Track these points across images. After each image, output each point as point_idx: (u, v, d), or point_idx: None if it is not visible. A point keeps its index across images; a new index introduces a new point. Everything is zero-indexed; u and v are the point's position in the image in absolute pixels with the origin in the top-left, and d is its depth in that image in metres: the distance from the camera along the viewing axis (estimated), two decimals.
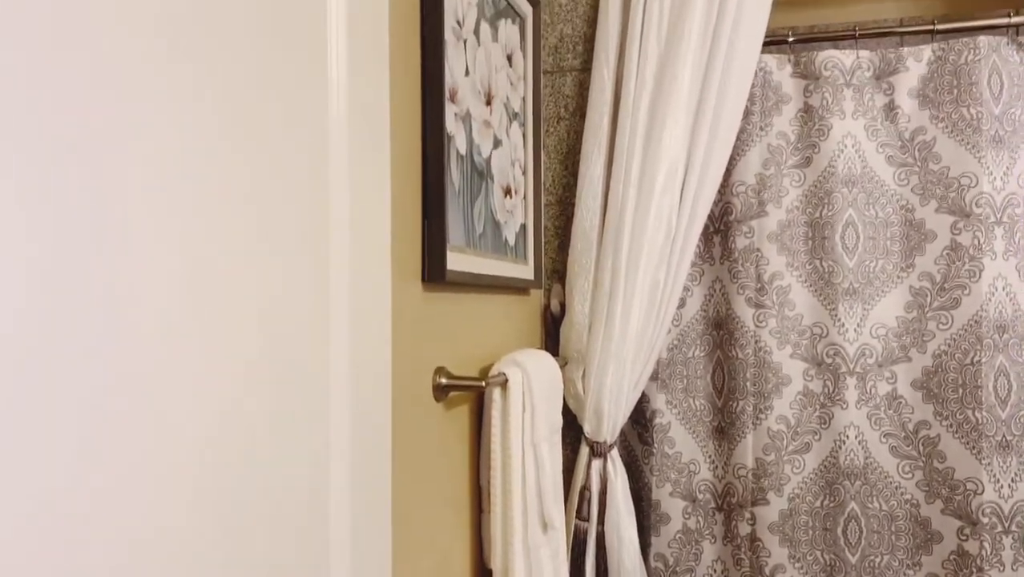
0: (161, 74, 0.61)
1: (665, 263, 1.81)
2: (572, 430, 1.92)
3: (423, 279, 1.30)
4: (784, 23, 2.07)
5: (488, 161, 1.57)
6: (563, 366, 1.87)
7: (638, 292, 1.80)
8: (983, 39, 1.75)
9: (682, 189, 1.81)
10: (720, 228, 1.94)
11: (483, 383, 1.36)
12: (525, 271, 1.79)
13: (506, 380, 1.44)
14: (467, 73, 1.47)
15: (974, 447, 1.72)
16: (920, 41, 1.86)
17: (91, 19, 0.55)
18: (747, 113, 1.88)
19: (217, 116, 0.67)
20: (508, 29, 1.70)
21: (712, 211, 1.92)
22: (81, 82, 0.54)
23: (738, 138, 1.87)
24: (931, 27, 1.82)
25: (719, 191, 1.89)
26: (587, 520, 1.82)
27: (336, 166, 0.87)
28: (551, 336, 1.96)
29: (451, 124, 1.39)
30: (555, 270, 1.98)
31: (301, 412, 0.82)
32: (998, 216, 1.73)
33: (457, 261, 1.39)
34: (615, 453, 1.85)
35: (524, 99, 1.81)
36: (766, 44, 1.84)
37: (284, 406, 0.79)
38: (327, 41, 0.86)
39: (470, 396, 1.49)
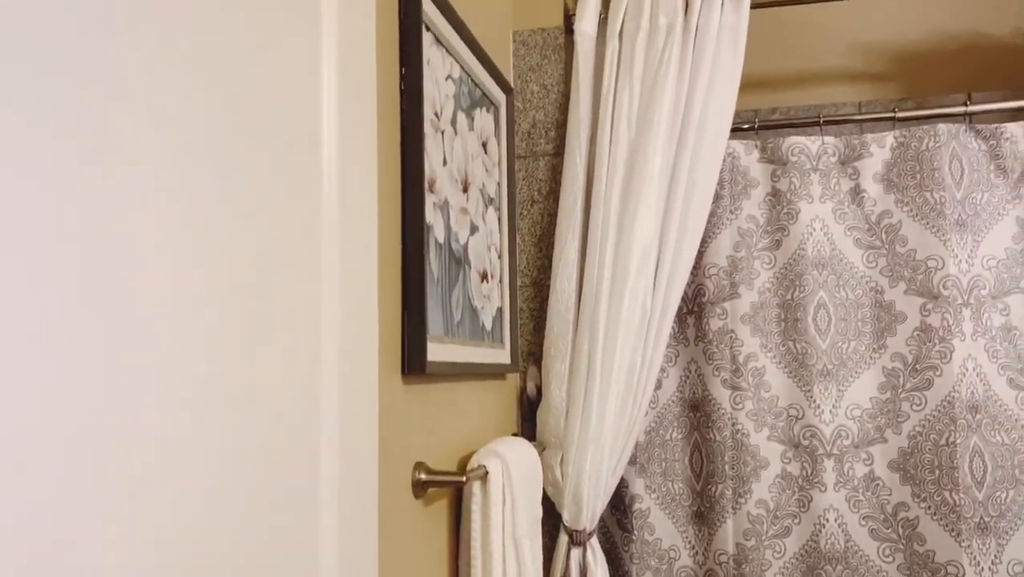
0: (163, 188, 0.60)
1: (641, 345, 1.81)
2: (550, 518, 1.88)
3: (403, 371, 1.27)
4: (747, 105, 2.13)
5: (465, 247, 1.57)
6: (540, 452, 1.84)
7: (615, 374, 1.79)
8: (943, 127, 1.81)
9: (656, 271, 1.82)
10: (694, 309, 1.95)
11: (463, 478, 1.33)
12: (502, 355, 1.77)
13: (486, 473, 1.40)
14: (445, 163, 1.47)
15: (953, 529, 1.71)
16: (882, 126, 1.92)
17: (117, 130, 0.53)
18: (717, 197, 1.91)
19: (206, 210, 0.66)
20: (483, 117, 1.72)
21: (685, 293, 1.94)
22: (99, 186, 0.52)
23: (709, 221, 1.89)
24: (892, 115, 1.88)
25: (692, 273, 1.91)
26: None
27: (328, 262, 0.85)
28: (527, 420, 1.93)
29: (430, 214, 1.38)
30: (531, 352, 1.96)
31: (288, 522, 0.79)
32: (965, 298, 1.77)
33: (436, 351, 1.37)
34: (595, 541, 1.81)
35: (499, 184, 1.82)
36: (733, 130, 1.89)
37: (267, 518, 0.76)
38: (320, 142, 0.86)
39: (449, 489, 1.46)
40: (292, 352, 0.78)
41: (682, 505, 1.90)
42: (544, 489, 1.83)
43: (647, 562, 1.88)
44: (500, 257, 1.80)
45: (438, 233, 1.42)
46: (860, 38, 2.30)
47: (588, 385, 1.80)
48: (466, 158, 1.60)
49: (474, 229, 1.63)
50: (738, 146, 1.95)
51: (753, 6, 1.86)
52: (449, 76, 1.52)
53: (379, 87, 1.22)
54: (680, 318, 1.96)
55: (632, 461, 1.91)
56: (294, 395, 0.78)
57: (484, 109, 1.73)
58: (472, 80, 1.65)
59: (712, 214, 1.91)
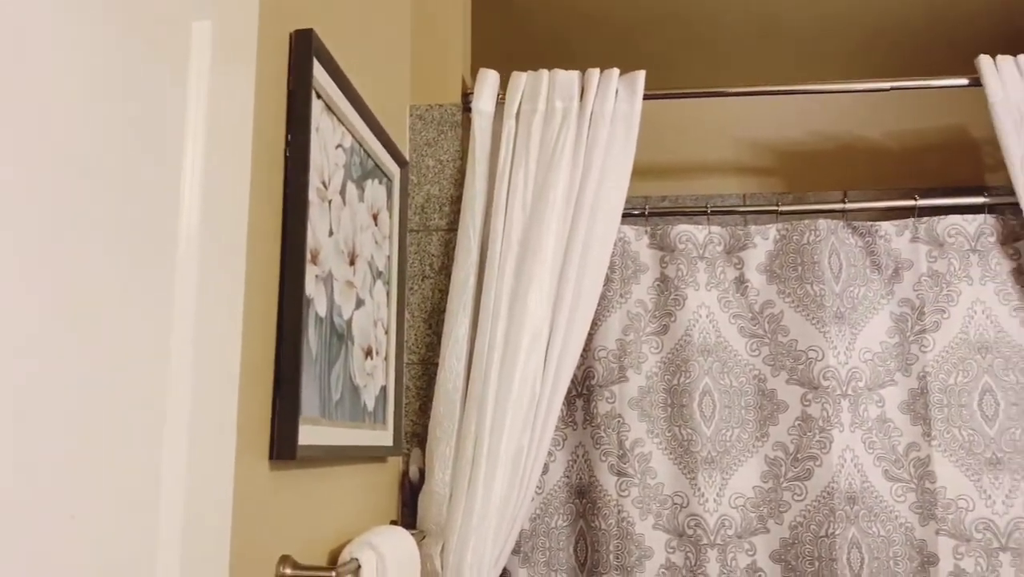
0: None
1: (530, 427, 1.76)
2: None
3: (271, 456, 1.18)
4: (639, 192, 2.17)
5: (349, 322, 1.50)
6: (420, 540, 1.75)
7: (502, 457, 1.73)
8: (823, 222, 1.88)
9: (547, 352, 1.79)
10: (583, 392, 1.92)
11: (332, 573, 1.23)
12: (384, 437, 1.69)
13: (358, 567, 1.31)
14: (331, 233, 1.41)
15: None
16: (765, 219, 1.98)
17: None
18: (608, 280, 1.91)
19: (49, 291, 0.58)
20: (375, 189, 1.67)
21: (575, 375, 1.91)
22: None
23: (599, 304, 1.89)
24: (775, 208, 1.94)
25: (581, 356, 1.89)
26: None
27: (179, 341, 0.77)
28: (408, 506, 1.84)
29: (311, 286, 1.31)
30: (415, 434, 1.88)
31: None
32: (843, 389, 1.81)
33: (310, 434, 1.28)
34: None
35: (389, 257, 1.77)
36: (625, 215, 1.91)
37: None
38: (180, 208, 0.79)
39: None
40: (126, 445, 0.70)
41: None
42: None
43: None
44: (387, 333, 1.74)
45: (320, 307, 1.35)
46: (746, 134, 2.39)
47: (474, 468, 1.73)
48: (355, 229, 1.54)
49: (360, 303, 1.56)
50: (629, 231, 1.96)
51: (646, 97, 1.90)
52: (340, 145, 1.47)
53: (263, 152, 1.16)
54: (569, 401, 1.93)
55: (516, 550, 1.84)
56: (126, 497, 0.69)
57: (376, 180, 1.68)
58: (364, 150, 1.60)
59: (603, 297, 1.91)
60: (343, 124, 1.48)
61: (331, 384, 1.40)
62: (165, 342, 0.71)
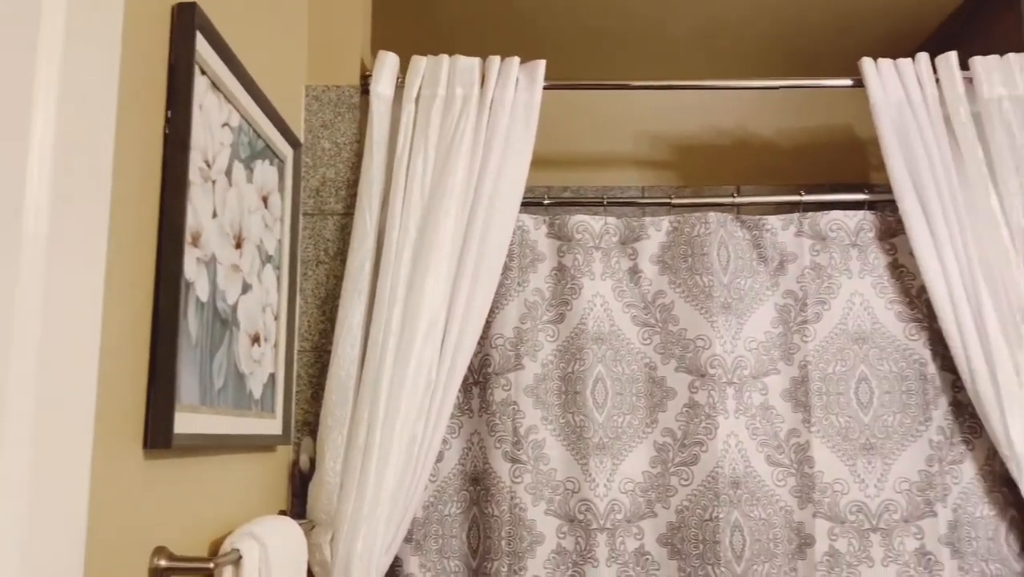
0: None
1: (424, 416, 1.75)
2: None
3: (145, 445, 1.14)
4: (540, 181, 2.18)
5: (234, 308, 1.45)
6: (309, 530, 1.72)
7: (395, 447, 1.72)
8: (713, 215, 1.93)
9: (443, 340, 1.79)
10: (479, 380, 1.92)
11: (211, 564, 1.20)
12: (272, 426, 1.65)
13: (239, 557, 1.27)
14: (215, 215, 1.37)
15: None
16: (660, 211, 2.02)
17: None
18: (506, 268, 1.91)
19: None
20: (265, 170, 1.63)
21: (472, 363, 1.91)
22: None
23: (497, 292, 1.89)
24: (668, 201, 1.99)
25: (479, 343, 1.89)
26: None
27: (23, 327, 0.73)
28: (298, 496, 1.80)
29: (192, 270, 1.27)
30: (307, 423, 1.85)
31: None
32: (729, 377, 1.87)
33: (188, 423, 1.24)
34: None
35: (280, 242, 1.72)
36: (524, 204, 1.91)
37: None
38: (25, 180, 0.74)
39: None
40: None
41: None
42: (310, 570, 1.71)
43: None
44: (277, 319, 1.70)
45: (201, 291, 1.31)
46: (646, 128, 2.44)
47: (366, 457, 1.71)
48: (242, 212, 1.50)
49: (247, 288, 1.52)
50: (528, 220, 1.97)
51: (547, 87, 1.91)
52: (226, 124, 1.43)
53: (136, 128, 1.11)
54: (465, 388, 1.93)
55: (408, 538, 1.83)
56: None
57: (267, 161, 1.64)
58: (254, 130, 1.56)
59: (500, 285, 1.91)
60: (230, 102, 1.43)
61: (213, 371, 1.36)
62: (6, 328, 0.67)
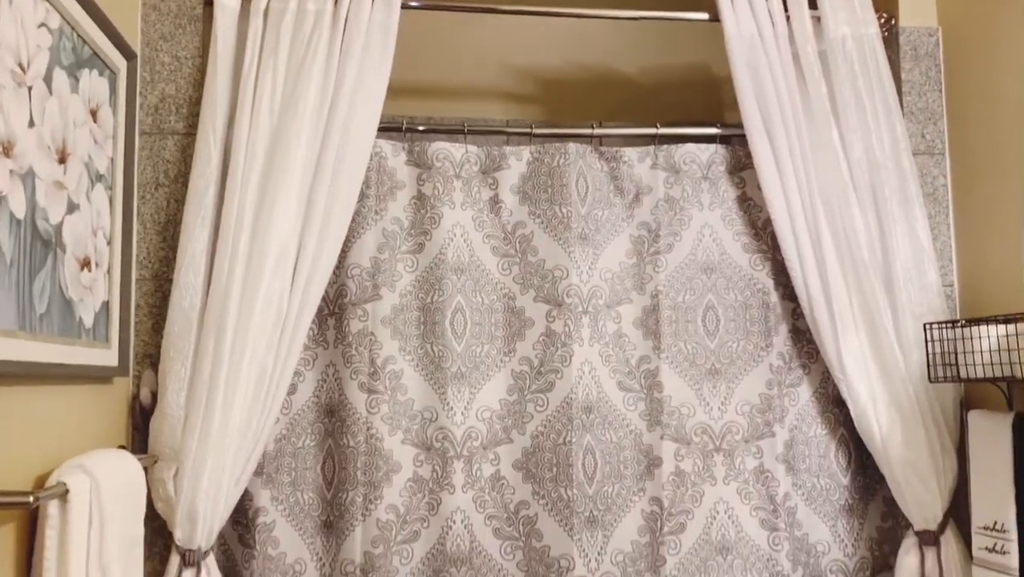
0: None
1: (274, 348, 1.69)
2: (160, 537, 1.68)
3: None
4: (400, 111, 2.11)
5: (59, 228, 1.34)
6: (152, 465, 1.64)
7: (243, 379, 1.65)
8: (572, 145, 1.94)
9: (295, 270, 1.72)
10: (335, 311, 1.87)
11: (30, 498, 1.12)
12: (107, 357, 1.55)
13: (66, 491, 1.20)
14: (31, 124, 1.24)
15: (566, 524, 1.82)
16: (521, 142, 2.00)
17: None
18: (363, 196, 1.85)
19: None
20: (94, 81, 1.50)
21: (327, 293, 1.85)
22: None
23: (353, 220, 1.83)
24: (529, 131, 1.97)
25: (334, 273, 1.83)
26: None
27: None
28: (140, 432, 1.71)
29: (4, 182, 1.15)
30: (148, 355, 1.75)
31: None
32: (585, 306, 1.89)
33: (3, 348, 1.14)
34: (211, 560, 1.65)
35: (113, 160, 1.60)
36: (382, 130, 1.85)
37: None
38: None
39: (19, 515, 1.22)
40: None
41: (311, 515, 1.81)
42: (152, 506, 1.64)
43: None
44: (110, 244, 1.58)
45: (16, 207, 1.19)
46: (509, 59, 2.40)
47: (211, 390, 1.64)
48: (66, 124, 1.37)
49: (73, 208, 1.40)
50: (386, 146, 1.91)
51: (404, 7, 1.83)
52: (44, 24, 1.29)
53: None
54: (320, 319, 1.87)
55: (258, 472, 1.78)
56: None
57: (95, 72, 1.50)
58: (78, 35, 1.42)
59: (357, 213, 1.85)
60: (48, 0, 1.30)
61: (33, 295, 1.25)
62: None
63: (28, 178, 1.23)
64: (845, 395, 1.84)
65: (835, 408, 1.93)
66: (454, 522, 1.81)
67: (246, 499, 1.77)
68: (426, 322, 1.88)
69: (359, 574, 1.76)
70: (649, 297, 1.93)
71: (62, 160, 1.36)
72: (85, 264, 1.45)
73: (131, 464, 1.42)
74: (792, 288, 1.90)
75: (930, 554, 1.78)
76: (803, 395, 1.94)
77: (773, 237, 1.91)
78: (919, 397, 1.80)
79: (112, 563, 1.26)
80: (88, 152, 1.47)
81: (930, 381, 1.72)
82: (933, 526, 1.79)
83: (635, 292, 1.94)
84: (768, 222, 1.93)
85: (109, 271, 1.58)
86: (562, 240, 1.90)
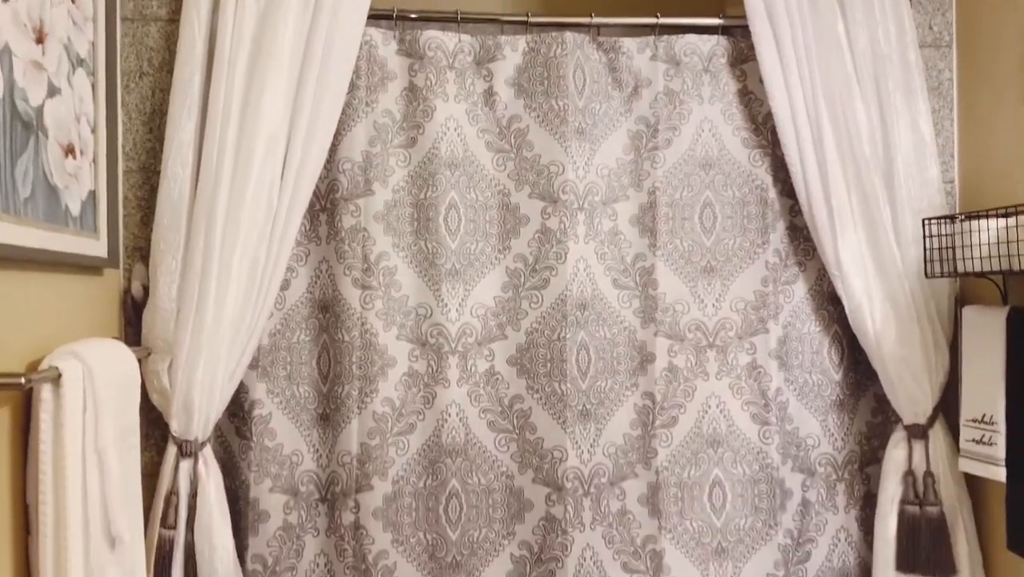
0: None
1: (266, 241, 1.67)
2: (157, 429, 1.70)
3: None
4: (388, 3, 2.03)
5: (40, 111, 1.30)
6: (146, 357, 1.64)
7: (235, 273, 1.64)
8: (569, 35, 1.87)
9: (284, 161, 1.69)
10: (326, 206, 1.84)
11: (22, 379, 1.11)
12: (96, 247, 1.53)
13: (59, 375, 1.19)
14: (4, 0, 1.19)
15: (560, 417, 1.83)
16: (518, 32, 1.94)
17: None
18: (353, 87, 1.80)
19: None
20: None
21: (318, 188, 1.82)
22: None
23: (344, 113, 1.79)
24: (525, 19, 1.90)
25: (325, 167, 1.80)
26: (174, 528, 1.61)
27: None
28: (133, 326, 1.70)
29: None
30: (138, 248, 1.73)
31: None
32: (580, 203, 1.87)
33: None
34: (208, 451, 1.67)
35: (94, 45, 1.54)
36: (372, 17, 1.78)
37: None
38: None
39: (13, 398, 1.22)
40: None
41: (307, 408, 1.82)
42: (149, 397, 1.65)
43: (267, 469, 1.78)
44: (94, 132, 1.54)
45: None
46: None
47: (203, 283, 1.63)
48: (41, 1, 1.31)
49: (54, 91, 1.36)
50: (376, 35, 1.85)
51: None
52: None
53: None
54: (312, 215, 1.84)
55: (253, 365, 1.78)
56: None
57: None
58: None
59: (347, 105, 1.80)
60: None
61: (16, 178, 1.22)
62: None
63: (4, 55, 1.19)
64: (840, 292, 1.84)
65: (830, 305, 1.93)
66: (449, 415, 1.83)
67: (242, 392, 1.78)
68: (419, 218, 1.86)
69: (356, 464, 1.79)
70: (646, 194, 1.91)
71: (40, 40, 1.31)
72: (69, 151, 1.42)
73: (124, 353, 1.42)
74: (791, 184, 1.87)
75: (918, 447, 1.81)
76: (798, 292, 1.93)
77: (773, 132, 1.87)
78: (915, 294, 1.79)
79: (108, 448, 1.27)
80: (67, 34, 1.41)
81: (926, 277, 1.71)
82: (923, 420, 1.81)
83: (632, 189, 1.91)
84: (769, 116, 1.88)
85: (95, 160, 1.54)
86: (558, 135, 1.86)
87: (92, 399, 1.24)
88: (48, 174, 1.33)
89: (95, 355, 1.28)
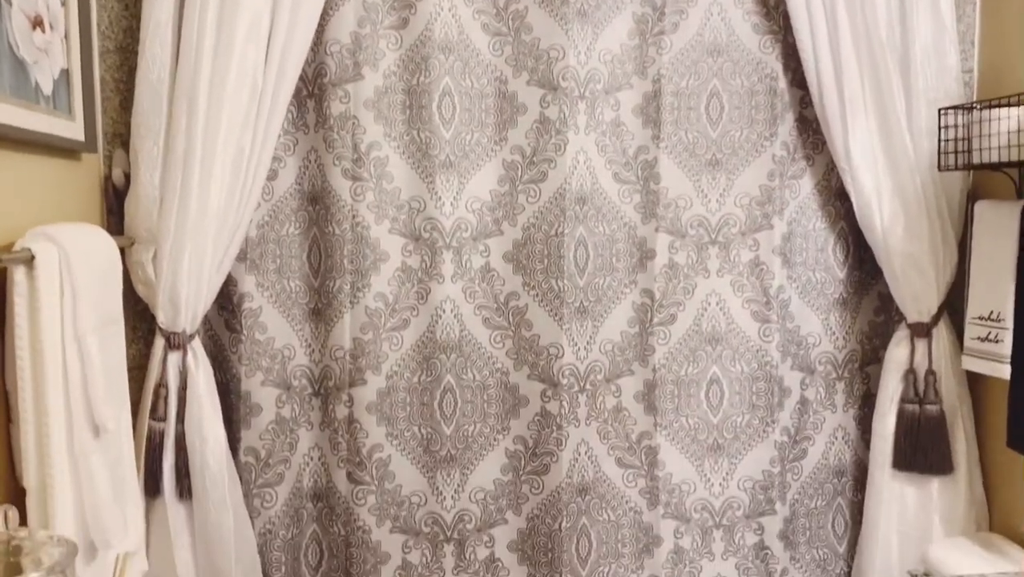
0: None
1: (251, 127, 1.60)
2: (144, 321, 1.66)
3: None
4: None
5: None
6: (129, 247, 1.59)
7: (219, 159, 1.57)
8: None
9: (268, 41, 1.60)
10: (314, 92, 1.76)
11: None
12: (71, 129, 1.46)
13: (32, 257, 1.14)
14: None
15: (556, 314, 1.80)
16: None
17: None
18: None
19: None
20: None
21: (305, 72, 1.73)
22: None
23: None
24: None
25: (312, 50, 1.71)
26: (163, 420, 1.59)
27: None
28: (116, 215, 1.64)
29: None
30: (118, 134, 1.65)
31: None
32: (581, 91, 1.78)
33: None
34: (196, 344, 1.64)
35: None
36: None
37: None
38: None
39: None
40: None
41: (298, 303, 1.78)
42: (134, 288, 1.60)
43: (258, 362, 1.75)
44: (64, 5, 1.44)
45: None
46: None
47: (187, 169, 1.56)
48: None
49: None
50: None
51: None
52: None
53: None
54: (299, 101, 1.76)
55: (242, 258, 1.73)
56: None
57: None
58: None
59: None
60: None
61: None
62: None
63: None
64: (849, 187, 1.77)
65: (837, 201, 1.86)
66: (444, 311, 1.79)
67: (231, 285, 1.74)
68: (412, 106, 1.77)
69: (348, 359, 1.76)
70: (651, 82, 1.82)
71: None
72: (37, 23, 1.33)
73: (103, 239, 1.37)
74: (802, 74, 1.78)
75: (920, 346, 1.77)
76: (805, 187, 1.87)
77: (785, 17, 1.77)
78: (925, 188, 1.73)
79: (88, 335, 1.23)
80: None
81: (939, 170, 1.65)
82: (927, 319, 1.77)
83: (636, 77, 1.82)
84: (781, 0, 1.78)
85: (67, 37, 1.45)
86: (559, 16, 1.76)
87: (70, 284, 1.20)
88: (13, 45, 1.24)
89: (71, 239, 1.23)
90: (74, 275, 1.20)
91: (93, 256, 1.29)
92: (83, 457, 1.22)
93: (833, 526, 1.92)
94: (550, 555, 1.81)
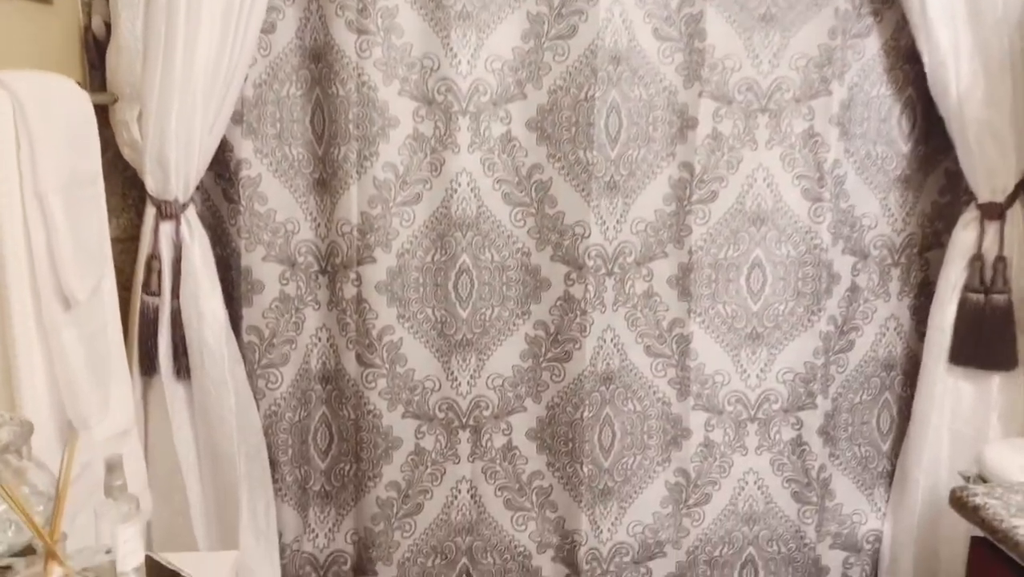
0: None
1: None
2: (134, 188, 1.53)
3: None
4: None
5: None
6: (112, 104, 1.45)
7: (207, 6, 1.40)
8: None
9: None
10: None
11: None
12: None
13: None
14: None
15: (583, 189, 1.63)
16: None
17: None
18: None
19: None
20: None
21: None
22: None
23: None
24: None
25: None
26: (157, 295, 1.49)
27: None
28: (97, 68, 1.49)
29: None
30: None
31: None
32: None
33: None
34: (191, 214, 1.51)
35: None
36: None
37: None
38: None
39: None
40: None
41: (302, 173, 1.64)
42: (120, 150, 1.47)
43: (259, 236, 1.62)
44: None
45: None
46: None
47: (171, 17, 1.40)
48: None
49: None
50: None
51: None
52: None
53: None
54: None
55: (238, 120, 1.58)
56: None
57: None
58: None
59: None
60: None
61: None
62: None
63: None
64: (921, 46, 1.56)
65: (906, 64, 1.65)
66: (459, 185, 1.63)
67: (227, 150, 1.59)
68: None
69: (356, 235, 1.62)
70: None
71: None
72: None
73: (70, 89, 1.22)
74: None
75: (991, 229, 1.59)
76: (870, 48, 1.65)
77: None
78: (1012, 45, 1.50)
79: (50, 193, 1.09)
80: None
81: None
82: (1000, 198, 1.58)
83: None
84: None
85: None
86: None
87: (27, 136, 1.06)
88: None
89: (27, 87, 1.08)
90: (31, 127, 1.06)
91: (56, 107, 1.15)
92: (53, 332, 1.11)
93: (878, 422, 1.79)
94: (571, 445, 1.71)
